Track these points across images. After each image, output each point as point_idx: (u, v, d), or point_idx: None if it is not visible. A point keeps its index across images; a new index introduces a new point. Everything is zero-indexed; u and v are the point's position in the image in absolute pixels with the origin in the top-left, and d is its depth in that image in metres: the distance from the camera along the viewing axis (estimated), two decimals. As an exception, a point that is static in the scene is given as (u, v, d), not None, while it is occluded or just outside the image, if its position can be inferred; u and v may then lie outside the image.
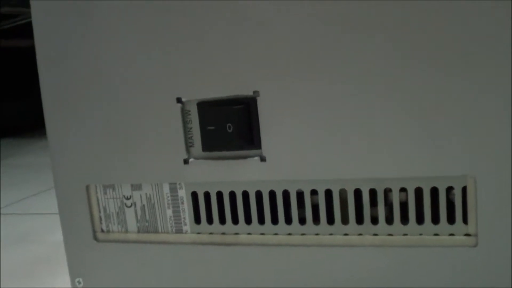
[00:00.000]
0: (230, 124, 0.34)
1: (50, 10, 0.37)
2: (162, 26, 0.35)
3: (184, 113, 0.36)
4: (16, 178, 1.22)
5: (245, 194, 0.36)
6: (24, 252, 0.65)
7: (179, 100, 0.35)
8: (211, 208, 0.37)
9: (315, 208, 0.35)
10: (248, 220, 0.36)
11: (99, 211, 0.39)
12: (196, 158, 0.36)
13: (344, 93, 0.32)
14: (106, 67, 0.36)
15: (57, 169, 0.40)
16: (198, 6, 0.34)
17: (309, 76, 0.32)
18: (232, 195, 0.36)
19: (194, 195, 0.37)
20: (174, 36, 0.35)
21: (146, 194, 0.38)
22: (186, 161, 0.36)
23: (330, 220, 0.34)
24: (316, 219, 0.35)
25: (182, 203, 0.37)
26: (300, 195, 0.35)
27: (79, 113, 0.38)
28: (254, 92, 0.33)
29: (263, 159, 0.34)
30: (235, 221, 0.36)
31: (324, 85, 0.32)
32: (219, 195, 0.36)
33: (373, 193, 0.33)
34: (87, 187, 0.39)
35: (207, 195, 0.37)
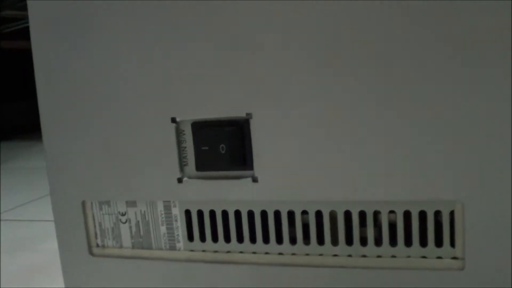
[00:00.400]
0: (223, 145, 0.35)
1: (48, 29, 0.38)
2: (159, 47, 0.35)
3: (179, 133, 0.36)
4: (18, 182, 1.22)
5: (238, 213, 0.36)
6: (22, 260, 0.66)
7: (173, 120, 0.36)
8: (204, 226, 0.37)
9: (306, 227, 0.35)
10: (240, 239, 0.36)
11: (95, 227, 0.40)
12: (189, 177, 0.37)
13: (336, 117, 0.32)
14: (102, 85, 0.37)
15: (54, 184, 0.40)
16: (194, 28, 0.34)
17: (301, 100, 0.33)
18: (225, 214, 0.37)
19: (188, 213, 0.37)
20: (170, 57, 0.35)
21: (140, 210, 0.39)
22: (180, 180, 0.36)
23: (320, 241, 0.35)
24: (306, 239, 0.35)
25: (176, 220, 0.38)
26: (291, 214, 0.35)
27: (76, 130, 0.38)
28: (247, 114, 0.34)
29: (255, 179, 0.35)
30: (227, 239, 0.37)
31: (315, 108, 0.33)
32: (212, 213, 0.37)
33: (362, 214, 0.34)
34: (83, 203, 0.40)
35: (200, 214, 0.37)
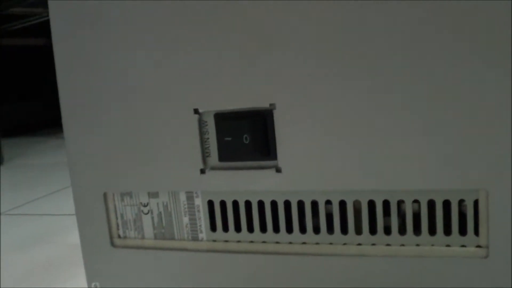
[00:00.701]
0: (246, 136, 0.35)
1: (68, 19, 0.38)
2: (182, 38, 0.35)
3: (201, 124, 0.37)
4: (26, 179, 1.23)
5: (261, 204, 0.37)
6: (39, 254, 0.66)
7: (196, 111, 0.36)
8: (227, 216, 0.38)
9: (329, 217, 0.35)
10: (263, 229, 0.37)
11: (116, 218, 0.40)
12: (212, 168, 0.37)
13: (360, 106, 0.32)
14: (124, 76, 0.37)
15: (75, 176, 0.40)
16: (217, 19, 0.34)
17: (324, 90, 0.33)
18: (248, 204, 0.37)
19: (210, 204, 0.38)
20: (193, 48, 0.35)
21: (163, 201, 0.39)
22: (202, 171, 0.37)
23: (344, 230, 0.35)
24: (330, 229, 0.35)
25: (199, 211, 0.38)
26: (314, 204, 0.35)
27: (98, 122, 0.39)
28: (271, 104, 0.34)
29: (278, 170, 0.35)
30: (250, 229, 0.37)
31: (339, 98, 0.33)
32: (235, 203, 0.37)
33: (386, 204, 0.34)
34: (105, 195, 0.40)
35: (223, 204, 0.37)
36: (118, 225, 0.41)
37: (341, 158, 0.33)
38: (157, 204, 0.39)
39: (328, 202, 0.35)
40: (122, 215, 0.40)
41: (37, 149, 1.73)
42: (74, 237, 0.71)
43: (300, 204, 0.36)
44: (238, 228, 0.37)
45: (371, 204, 0.34)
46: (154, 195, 0.39)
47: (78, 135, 0.40)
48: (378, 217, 0.34)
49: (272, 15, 0.33)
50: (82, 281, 0.55)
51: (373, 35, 0.31)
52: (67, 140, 0.40)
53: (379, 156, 0.33)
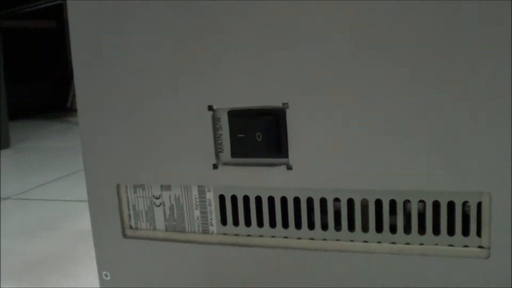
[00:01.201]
0: (259, 133, 0.36)
1: (86, 12, 0.39)
2: (198, 37, 0.36)
3: (215, 120, 0.38)
4: (35, 163, 1.23)
5: (271, 199, 0.38)
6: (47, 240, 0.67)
7: (210, 107, 0.37)
8: (237, 210, 0.39)
9: (337, 214, 0.37)
10: (272, 224, 0.38)
11: (128, 209, 0.42)
12: (225, 164, 0.38)
13: (370, 108, 0.34)
14: (139, 70, 0.38)
15: (89, 167, 0.42)
16: (234, 17, 0.35)
17: (336, 91, 0.34)
18: (258, 199, 0.38)
19: (222, 198, 0.39)
20: (209, 46, 0.36)
21: (175, 194, 0.40)
22: (215, 166, 0.38)
23: (351, 227, 0.36)
24: (337, 225, 0.37)
25: (210, 205, 0.39)
26: (323, 201, 0.37)
27: (112, 114, 0.40)
28: (284, 104, 0.35)
29: (289, 167, 0.36)
30: (260, 224, 0.38)
31: (350, 99, 0.34)
32: (246, 198, 0.38)
33: (393, 203, 0.35)
34: (118, 186, 0.41)
35: (234, 199, 0.39)
36: (130, 216, 0.42)
37: (350, 158, 0.34)
38: (169, 196, 0.40)
39: (336, 200, 0.36)
40: (134, 207, 0.41)
41: (43, 132, 1.74)
42: (81, 224, 0.72)
43: (309, 200, 0.37)
44: (248, 223, 0.39)
45: (378, 203, 0.35)
46: (166, 188, 0.40)
47: (93, 126, 0.41)
48: (384, 216, 0.35)
49: (287, 14, 0.34)
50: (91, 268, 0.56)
51: (389, 35, 0.33)
52: (82, 131, 0.41)
53: (387, 157, 0.34)
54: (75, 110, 2.10)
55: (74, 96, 2.11)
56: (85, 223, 0.72)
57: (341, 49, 0.34)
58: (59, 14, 2.17)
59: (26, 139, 1.63)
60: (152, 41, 0.38)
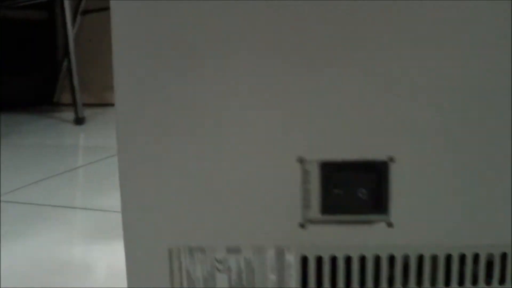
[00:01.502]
0: (361, 189, 0.33)
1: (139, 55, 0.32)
2: (288, 79, 0.32)
3: (305, 173, 0.33)
4: (21, 161, 1.11)
5: (362, 258, 0.35)
6: None
7: (300, 159, 0.33)
8: (322, 273, 0.35)
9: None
10: (362, 285, 0.35)
11: (181, 277, 0.35)
12: (312, 221, 0.34)
13: (474, 162, 0.33)
14: (210, 115, 0.32)
15: (130, 229, 0.34)
16: (331, 61, 0.32)
17: (445, 145, 0.33)
18: (347, 259, 0.35)
19: (304, 260, 0.34)
20: (299, 89, 0.32)
21: (245, 257, 0.34)
22: (302, 225, 0.33)
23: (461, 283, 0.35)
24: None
25: (289, 267, 0.34)
26: (420, 258, 0.35)
27: (166, 159, 0.33)
28: (389, 157, 0.33)
29: (390, 224, 0.33)
30: (347, 285, 0.35)
31: (457, 154, 0.33)
32: (333, 259, 0.35)
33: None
34: (170, 251, 0.34)
35: (319, 260, 0.35)
36: (181, 283, 0.35)
37: (454, 214, 0.33)
38: (237, 260, 0.34)
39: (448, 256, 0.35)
40: (188, 272, 0.35)
41: (31, 128, 1.56)
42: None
43: (406, 257, 0.35)
44: (333, 285, 0.35)
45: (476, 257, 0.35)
46: (234, 250, 0.34)
47: (139, 174, 0.33)
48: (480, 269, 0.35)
49: (393, 60, 0.32)
50: None
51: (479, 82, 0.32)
52: (122, 182, 0.33)
53: (491, 211, 0.33)
54: (62, 105, 1.89)
55: (61, 90, 1.96)
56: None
57: (452, 102, 0.32)
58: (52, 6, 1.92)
59: (11, 133, 1.45)
60: (235, 86, 0.32)
